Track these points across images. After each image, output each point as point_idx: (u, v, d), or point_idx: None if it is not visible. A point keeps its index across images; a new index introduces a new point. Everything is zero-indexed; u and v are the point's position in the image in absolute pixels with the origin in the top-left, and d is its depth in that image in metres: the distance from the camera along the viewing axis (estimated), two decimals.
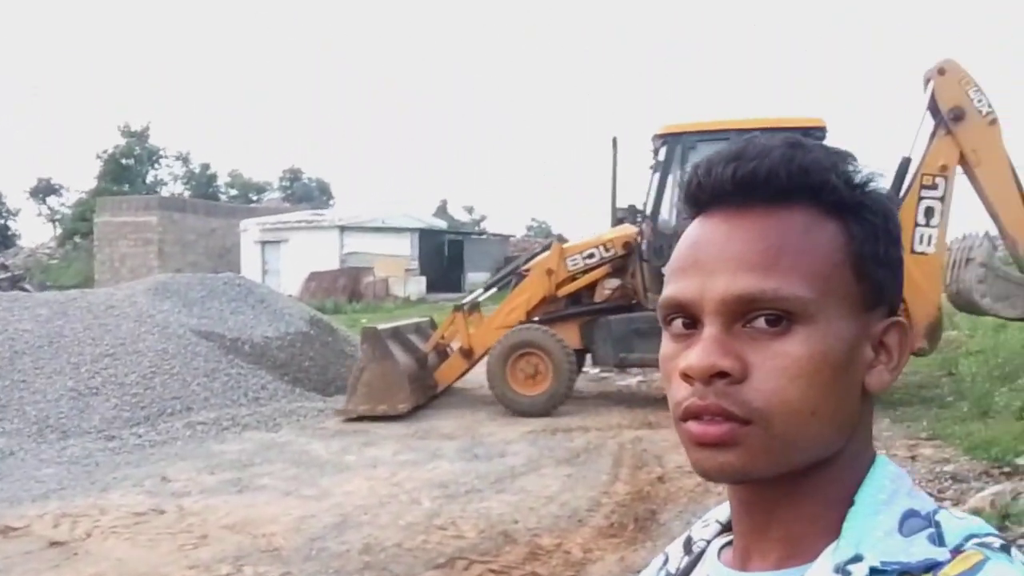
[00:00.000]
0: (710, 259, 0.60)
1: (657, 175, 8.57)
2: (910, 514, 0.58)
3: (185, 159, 46.09)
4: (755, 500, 0.63)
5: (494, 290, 9.62)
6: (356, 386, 8.29)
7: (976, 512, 4.26)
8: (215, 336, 9.83)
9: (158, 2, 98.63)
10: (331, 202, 48.17)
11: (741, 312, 0.58)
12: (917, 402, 7.90)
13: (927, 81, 7.87)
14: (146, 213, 29.26)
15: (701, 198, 0.63)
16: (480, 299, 9.36)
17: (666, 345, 0.63)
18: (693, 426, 0.58)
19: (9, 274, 26.39)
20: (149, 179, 43.38)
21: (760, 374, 0.57)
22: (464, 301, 9.35)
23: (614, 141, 8.96)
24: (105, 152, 40.84)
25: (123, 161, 41.08)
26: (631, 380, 10.25)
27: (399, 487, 5.80)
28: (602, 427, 7.60)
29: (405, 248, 26.76)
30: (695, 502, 5.22)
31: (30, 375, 8.38)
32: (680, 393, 0.60)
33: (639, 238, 8.61)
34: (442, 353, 9.14)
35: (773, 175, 0.59)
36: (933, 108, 7.75)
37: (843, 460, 0.61)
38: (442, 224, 34.15)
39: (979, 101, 7.67)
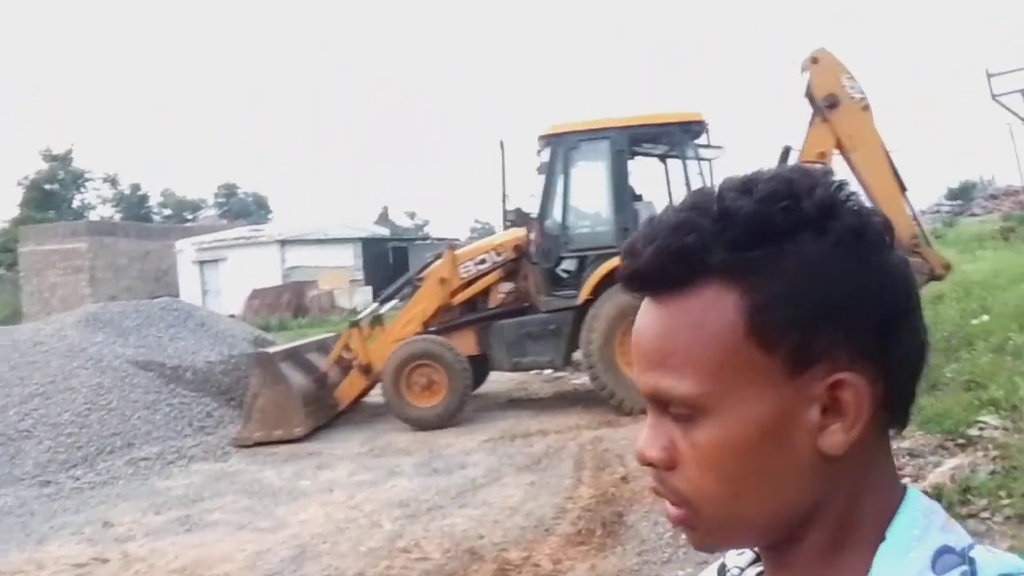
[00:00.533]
0: (635, 351, 0.61)
1: (543, 177, 8.54)
2: (944, 550, 0.56)
3: (113, 181, 44.70)
4: (773, 555, 0.62)
5: (394, 302, 9.36)
6: (250, 412, 8.08)
7: (937, 488, 4.30)
8: (154, 365, 9.43)
9: (71, 20, 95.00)
10: (269, 216, 47.26)
11: (660, 403, 0.59)
12: None
13: (803, 70, 8.14)
14: (74, 240, 28.12)
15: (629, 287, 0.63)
16: (380, 312, 9.17)
17: None
18: (668, 504, 0.61)
19: None
20: (76, 204, 41.88)
21: (684, 462, 0.58)
22: (360, 316, 9.21)
23: (501, 144, 8.92)
24: (26, 178, 39.26)
25: (46, 187, 39.54)
26: (585, 378, 10.19)
27: (358, 510, 5.60)
28: (561, 429, 7.51)
29: (348, 259, 26.31)
30: (660, 501, 5.14)
31: None
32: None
33: (529, 241, 8.54)
34: (348, 369, 8.91)
35: (656, 270, 0.58)
36: (810, 96, 8.04)
37: (837, 508, 0.58)
38: (385, 232, 33.76)
39: (852, 88, 7.98)
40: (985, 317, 7.85)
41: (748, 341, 0.56)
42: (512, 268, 8.68)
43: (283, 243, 26.20)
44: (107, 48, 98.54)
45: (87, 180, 42.66)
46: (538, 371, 9.88)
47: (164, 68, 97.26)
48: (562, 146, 8.40)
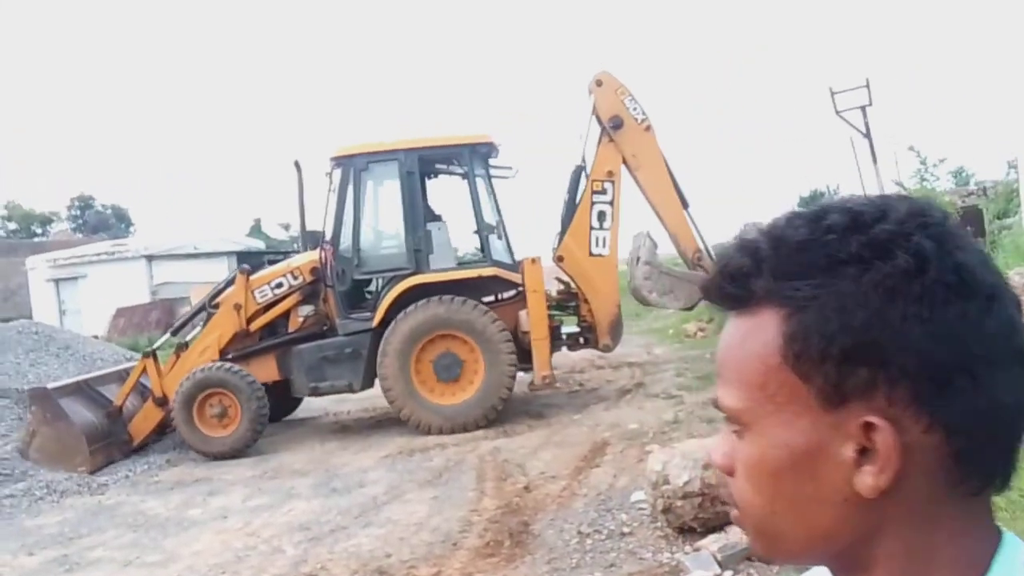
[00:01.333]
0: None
1: (334, 197, 8.56)
2: None
3: None
4: None
5: (189, 330, 8.87)
6: (28, 452, 7.70)
7: None
8: (11, 393, 8.71)
9: None
10: (131, 230, 44.53)
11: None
12: None
13: (590, 92, 8.65)
14: None
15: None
16: (181, 340, 8.69)
17: None
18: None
19: None
20: None
21: (737, 472, 0.62)
22: (154, 346, 8.90)
23: (297, 164, 8.85)
24: None
25: None
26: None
27: (256, 536, 5.41)
28: (459, 442, 7.54)
29: (222, 272, 24.94)
30: (563, 507, 5.29)
31: None
32: None
33: (324, 263, 8.47)
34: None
35: (716, 287, 0.62)
36: (597, 117, 8.57)
37: (893, 551, 0.57)
38: (260, 244, 32.51)
39: (634, 109, 8.56)
40: None
41: (786, 366, 0.57)
42: (311, 291, 8.56)
43: (150, 258, 24.73)
44: None
45: None
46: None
47: (8, 71, 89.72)
48: (353, 167, 8.42)
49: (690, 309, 9.59)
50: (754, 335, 0.59)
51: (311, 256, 8.60)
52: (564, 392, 9.48)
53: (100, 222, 45.34)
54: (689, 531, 4.33)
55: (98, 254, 25.80)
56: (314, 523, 5.54)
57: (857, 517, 0.57)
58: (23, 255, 27.26)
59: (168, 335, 9.04)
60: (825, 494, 0.57)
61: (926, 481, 0.55)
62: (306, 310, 8.56)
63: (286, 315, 8.58)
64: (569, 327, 8.97)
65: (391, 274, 8.38)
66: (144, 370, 8.36)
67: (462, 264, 8.91)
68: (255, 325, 8.46)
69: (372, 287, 8.82)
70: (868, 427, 0.55)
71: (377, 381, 8.21)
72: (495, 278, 8.42)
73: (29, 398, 7.98)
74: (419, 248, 8.28)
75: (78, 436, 7.63)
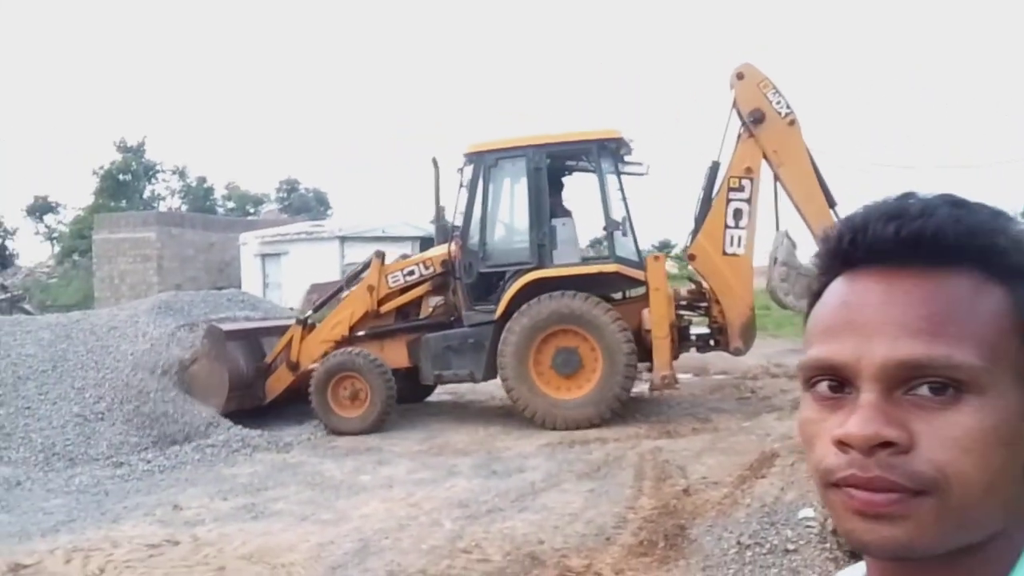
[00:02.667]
0: (867, 321, 0.57)
1: (465, 193, 8.66)
2: None
3: (182, 173, 46.00)
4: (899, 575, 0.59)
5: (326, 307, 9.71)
6: (182, 375, 8.45)
7: None
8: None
9: (149, 15, 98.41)
10: (329, 212, 48.04)
11: (903, 379, 0.55)
12: None
13: (731, 86, 8.16)
14: (144, 229, 29.09)
15: (854, 255, 0.60)
16: (317, 312, 9.55)
17: (808, 407, 0.60)
18: (856, 493, 0.55)
19: (8, 294, 26.24)
20: (146, 194, 43.27)
21: (929, 444, 0.54)
22: (307, 314, 9.52)
23: (434, 161, 9.01)
24: (101, 168, 40.73)
25: (120, 177, 40.95)
26: (643, 387, 10.11)
27: (418, 508, 5.65)
28: (620, 437, 7.46)
29: None
30: (724, 515, 5.07)
31: (35, 401, 8.22)
32: (831, 460, 0.57)
33: (453, 256, 8.67)
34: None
35: (940, 235, 0.57)
36: (738, 112, 8.10)
37: (998, 543, 0.57)
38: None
39: (778, 103, 8.01)
40: None
41: (1015, 332, 0.56)
42: (441, 282, 8.87)
43: (343, 239, 26.61)
44: (178, 42, 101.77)
45: (157, 172, 44.07)
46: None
47: (233, 64, 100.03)
48: (483, 163, 8.54)
49: None
50: (981, 296, 0.56)
51: (443, 249, 8.93)
52: (734, 398, 9.12)
53: (303, 204, 49.33)
54: (860, 556, 3.99)
55: (298, 233, 28.14)
56: (472, 501, 5.71)
57: (1020, 499, 0.57)
58: (238, 231, 30.28)
59: (322, 304, 9.76)
60: (1017, 471, 0.56)
61: None
62: (435, 300, 9.02)
63: (417, 303, 9.08)
64: (699, 328, 8.74)
65: (514, 268, 8.49)
66: (292, 334, 9.07)
67: (587, 260, 8.90)
68: (386, 307, 8.95)
69: (497, 280, 8.97)
70: None
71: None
72: (618, 275, 8.31)
73: (204, 331, 8.80)
74: (543, 243, 8.35)
75: (224, 380, 8.45)
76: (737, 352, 8.38)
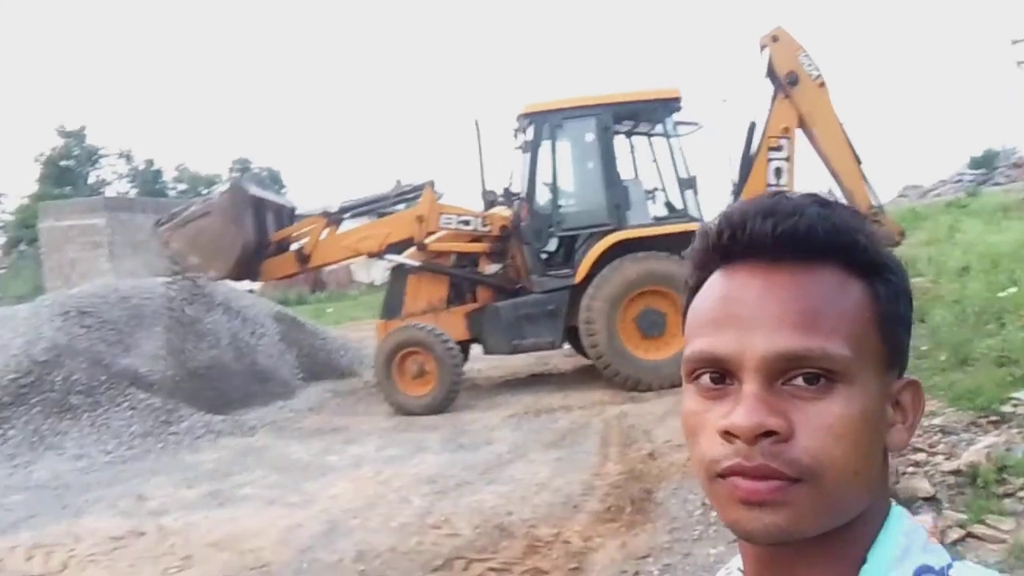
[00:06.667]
0: (748, 315, 0.59)
1: (528, 155, 8.45)
2: (924, 570, 0.59)
3: (128, 156, 44.74)
4: (773, 559, 0.62)
5: (365, 215, 9.35)
6: (189, 222, 7.82)
7: (973, 466, 4.27)
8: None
9: None
10: (283, 191, 47.23)
11: (782, 370, 0.58)
12: None
13: (762, 48, 8.42)
14: (92, 215, 28.26)
15: (732, 250, 0.62)
16: (348, 215, 9.08)
17: (692, 400, 0.62)
18: (741, 482, 0.57)
19: None
20: (91, 180, 42.05)
21: (805, 432, 0.57)
22: (337, 209, 8.98)
23: (476, 124, 8.81)
24: (43, 155, 39.41)
25: (62, 163, 39.71)
26: None
27: (386, 486, 5.65)
28: (584, 405, 7.53)
29: None
30: (689, 477, 5.15)
31: None
32: (716, 451, 0.59)
33: (515, 222, 8.46)
34: (284, 249, 8.82)
35: (812, 232, 0.60)
36: (771, 74, 8.36)
37: (865, 518, 0.61)
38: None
39: (808, 65, 8.34)
40: (1013, 289, 7.75)
41: (874, 324, 0.60)
42: (500, 248, 8.60)
43: (299, 218, 26.20)
44: (117, 23, 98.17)
45: (102, 156, 42.81)
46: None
47: (175, 44, 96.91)
48: (547, 124, 8.34)
49: None
50: (847, 290, 0.60)
51: (501, 212, 8.68)
52: None
53: (257, 183, 48.38)
54: None
55: None
56: (440, 477, 5.72)
57: (881, 479, 0.62)
58: None
59: (358, 207, 9.34)
60: (881, 450, 0.61)
61: None
62: (493, 269, 8.65)
63: (468, 258, 8.71)
64: None
65: (591, 231, 8.29)
66: (314, 225, 8.68)
67: (659, 220, 8.68)
68: (432, 246, 8.55)
69: (552, 246, 8.72)
70: (905, 387, 0.63)
71: (572, 337, 8.23)
72: (693, 233, 8.29)
73: (230, 187, 8.18)
74: (619, 204, 8.22)
75: (237, 245, 7.79)
76: None
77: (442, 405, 7.92)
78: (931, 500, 4.11)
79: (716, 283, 0.63)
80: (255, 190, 8.43)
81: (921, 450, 4.82)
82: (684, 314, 0.66)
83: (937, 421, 5.26)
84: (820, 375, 0.58)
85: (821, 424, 0.57)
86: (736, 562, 0.71)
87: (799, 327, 0.58)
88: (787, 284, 0.59)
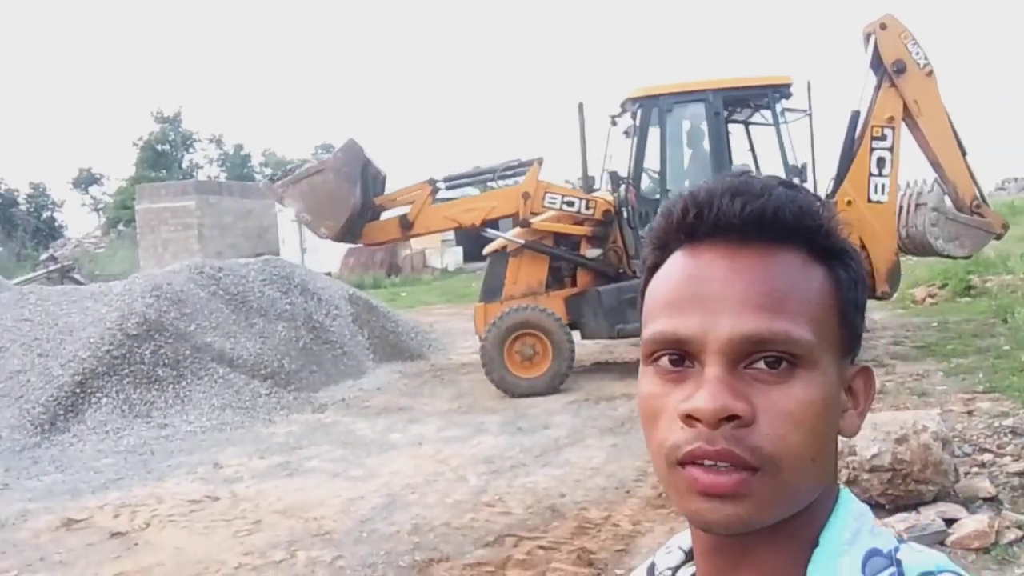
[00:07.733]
0: (712, 296, 0.58)
1: (635, 140, 8.37)
2: (873, 553, 0.59)
3: (218, 141, 46.65)
4: (726, 545, 0.62)
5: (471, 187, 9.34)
6: (303, 178, 7.90)
7: None
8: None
9: None
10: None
11: (746, 353, 0.57)
12: (972, 352, 7.66)
13: (867, 36, 8.19)
14: (184, 198, 29.64)
15: (698, 229, 0.61)
16: (452, 185, 9.01)
17: (650, 382, 0.61)
18: (699, 474, 0.56)
19: (59, 265, 27.07)
20: (185, 164, 44.00)
21: (766, 418, 0.56)
22: (443, 178, 8.86)
23: (580, 107, 8.68)
24: (141, 139, 41.50)
25: (158, 147, 41.70)
26: None
27: (445, 464, 5.84)
28: None
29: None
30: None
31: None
32: (678, 436, 0.57)
33: (619, 206, 8.39)
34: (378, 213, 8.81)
35: (780, 214, 0.59)
36: (876, 62, 8.14)
37: (816, 503, 0.61)
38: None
39: (917, 54, 8.10)
40: None
41: (834, 310, 0.61)
42: (602, 233, 8.55)
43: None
44: (211, 11, 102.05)
45: (195, 141, 44.73)
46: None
47: (265, 30, 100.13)
48: (655, 108, 8.26)
49: (968, 258, 9.42)
50: (810, 274, 0.60)
51: (605, 197, 8.68)
52: None
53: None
54: (876, 507, 4.05)
55: None
56: (497, 457, 5.87)
57: (833, 464, 0.62)
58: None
59: (465, 179, 9.21)
60: (836, 435, 0.61)
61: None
62: (594, 253, 8.61)
63: (570, 244, 8.69)
64: None
65: None
66: (418, 192, 8.63)
67: None
68: (538, 225, 8.50)
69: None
70: (857, 374, 0.64)
71: None
72: None
73: (345, 145, 8.21)
74: None
75: (348, 204, 7.83)
76: (884, 296, 8.33)
77: (549, 388, 7.87)
78: (992, 500, 4.01)
79: (678, 263, 0.61)
80: (371, 153, 8.51)
81: (988, 450, 4.69)
82: (642, 295, 0.65)
83: (1008, 422, 5.08)
84: (782, 359, 0.57)
85: (782, 409, 0.56)
86: (677, 541, 0.72)
87: (765, 310, 0.57)
88: (754, 266, 0.58)
